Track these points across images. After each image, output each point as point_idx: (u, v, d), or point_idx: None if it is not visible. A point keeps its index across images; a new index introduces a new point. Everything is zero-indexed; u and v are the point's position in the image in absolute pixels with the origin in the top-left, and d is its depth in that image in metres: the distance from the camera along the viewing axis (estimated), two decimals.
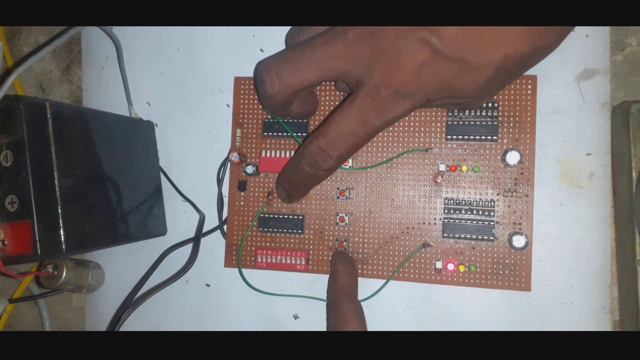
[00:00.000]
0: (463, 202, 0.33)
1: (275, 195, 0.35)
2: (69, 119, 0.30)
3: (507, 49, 0.25)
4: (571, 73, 0.32)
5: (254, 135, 0.36)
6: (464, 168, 0.33)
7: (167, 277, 0.36)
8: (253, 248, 0.36)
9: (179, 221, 0.38)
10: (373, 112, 0.27)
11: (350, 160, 0.34)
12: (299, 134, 0.35)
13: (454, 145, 0.33)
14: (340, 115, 0.28)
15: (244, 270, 0.36)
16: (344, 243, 0.34)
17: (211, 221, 0.37)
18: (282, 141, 0.36)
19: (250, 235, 0.36)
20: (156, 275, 0.36)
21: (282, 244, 0.35)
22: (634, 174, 0.30)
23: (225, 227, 0.36)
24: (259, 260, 0.35)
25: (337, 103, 0.35)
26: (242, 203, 0.36)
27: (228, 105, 0.37)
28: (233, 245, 0.36)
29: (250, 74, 0.36)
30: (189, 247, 0.37)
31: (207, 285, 0.37)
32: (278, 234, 0.35)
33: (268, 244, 0.35)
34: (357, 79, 0.28)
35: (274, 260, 0.35)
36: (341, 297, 0.31)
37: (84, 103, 0.40)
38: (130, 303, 0.35)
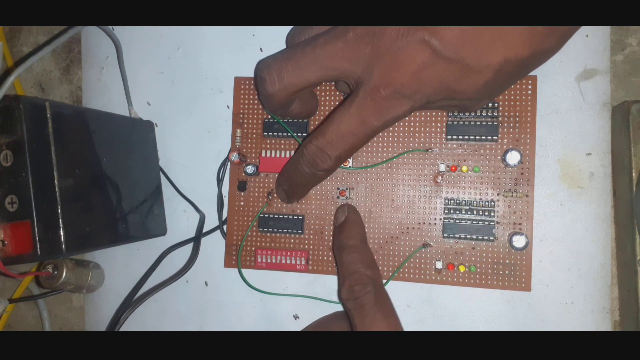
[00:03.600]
0: (463, 202, 0.33)
1: (275, 195, 0.35)
2: (68, 119, 0.30)
3: (507, 51, 0.25)
4: (571, 73, 0.32)
5: (254, 135, 0.36)
6: (464, 168, 0.33)
7: (167, 277, 0.36)
8: (253, 248, 0.36)
9: (179, 221, 0.38)
10: (372, 112, 0.27)
11: (350, 160, 0.34)
12: (299, 134, 0.35)
13: (454, 145, 0.33)
14: (339, 115, 0.28)
15: (243, 271, 0.36)
16: None
17: (211, 221, 0.37)
18: (282, 141, 0.36)
19: (250, 235, 0.36)
20: (156, 275, 0.36)
21: (282, 244, 0.35)
22: (634, 174, 0.30)
23: (225, 227, 0.36)
24: (259, 260, 0.35)
25: (337, 103, 0.35)
26: (242, 203, 0.36)
27: (228, 107, 0.37)
28: (233, 246, 0.36)
29: (250, 74, 0.36)
30: (188, 247, 0.37)
31: (206, 283, 0.37)
32: (278, 234, 0.35)
33: (268, 244, 0.35)
34: (357, 79, 0.28)
35: (273, 260, 0.35)
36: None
37: (83, 103, 0.40)
38: (130, 303, 0.35)
